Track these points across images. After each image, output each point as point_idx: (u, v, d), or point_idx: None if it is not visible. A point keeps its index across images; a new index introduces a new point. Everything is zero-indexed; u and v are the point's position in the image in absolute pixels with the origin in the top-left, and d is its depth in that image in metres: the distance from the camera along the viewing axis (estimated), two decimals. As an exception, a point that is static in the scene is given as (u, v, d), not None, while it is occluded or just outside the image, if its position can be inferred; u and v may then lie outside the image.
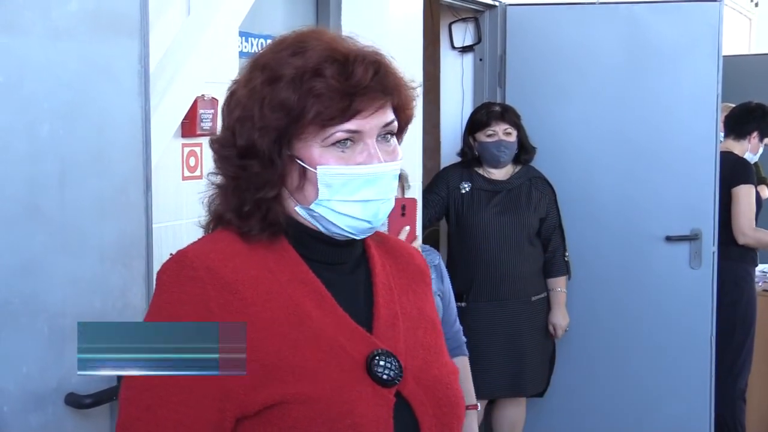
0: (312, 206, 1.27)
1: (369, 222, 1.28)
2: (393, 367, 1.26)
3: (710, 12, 4.17)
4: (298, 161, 1.26)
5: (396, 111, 1.31)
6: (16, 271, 1.77)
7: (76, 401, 1.86)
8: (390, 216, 2.41)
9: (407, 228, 2.39)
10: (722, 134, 4.61)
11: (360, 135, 1.26)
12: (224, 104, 1.33)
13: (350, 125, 1.24)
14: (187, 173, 2.52)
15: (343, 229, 1.28)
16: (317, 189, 1.26)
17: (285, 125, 1.24)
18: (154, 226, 2.07)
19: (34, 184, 1.80)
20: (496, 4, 4.31)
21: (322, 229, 1.30)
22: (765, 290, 4.75)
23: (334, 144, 1.25)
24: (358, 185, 1.26)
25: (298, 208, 1.29)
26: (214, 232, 1.33)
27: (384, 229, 2.18)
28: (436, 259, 2.80)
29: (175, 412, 1.20)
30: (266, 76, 1.26)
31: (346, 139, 1.25)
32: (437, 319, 1.43)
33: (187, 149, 2.52)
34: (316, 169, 1.25)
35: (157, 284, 1.27)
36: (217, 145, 1.31)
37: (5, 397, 1.76)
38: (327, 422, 1.19)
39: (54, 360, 1.84)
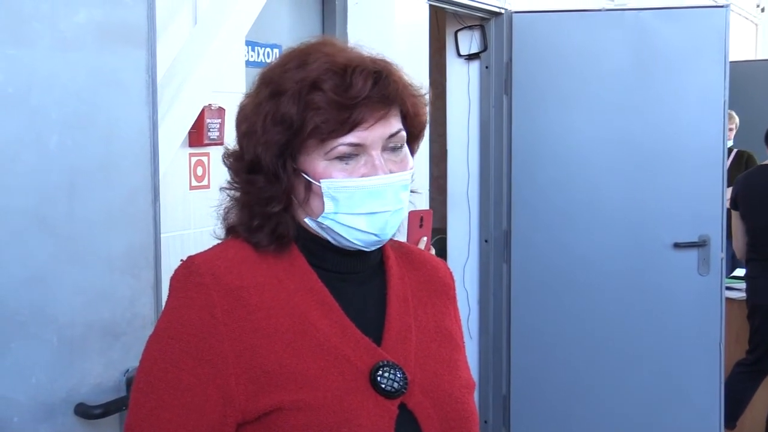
0: (320, 219, 1.27)
1: (376, 235, 1.27)
2: (397, 379, 1.25)
3: (717, 18, 4.17)
4: (303, 175, 1.26)
5: (405, 119, 1.30)
6: (25, 282, 1.77)
7: (85, 411, 1.86)
8: (408, 227, 2.44)
9: (424, 239, 2.43)
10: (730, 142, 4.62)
11: (363, 147, 1.25)
12: (235, 118, 1.33)
13: (351, 138, 1.23)
14: (194, 183, 2.53)
15: (351, 242, 1.28)
16: (323, 202, 1.26)
17: (286, 140, 1.24)
18: (162, 235, 2.08)
19: (43, 194, 1.80)
20: (502, 11, 4.31)
21: (332, 240, 1.30)
22: None
23: (337, 157, 1.24)
24: (363, 198, 1.25)
25: (307, 220, 1.30)
26: (226, 241, 1.34)
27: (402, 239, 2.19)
28: None
29: (177, 415, 1.21)
30: (270, 90, 1.27)
31: (350, 153, 1.25)
32: (457, 333, 1.42)
33: (194, 159, 2.53)
34: (320, 182, 1.25)
35: (168, 289, 1.29)
36: (229, 158, 1.33)
37: (15, 408, 1.76)
38: (324, 430, 1.19)
39: (63, 370, 1.84)
